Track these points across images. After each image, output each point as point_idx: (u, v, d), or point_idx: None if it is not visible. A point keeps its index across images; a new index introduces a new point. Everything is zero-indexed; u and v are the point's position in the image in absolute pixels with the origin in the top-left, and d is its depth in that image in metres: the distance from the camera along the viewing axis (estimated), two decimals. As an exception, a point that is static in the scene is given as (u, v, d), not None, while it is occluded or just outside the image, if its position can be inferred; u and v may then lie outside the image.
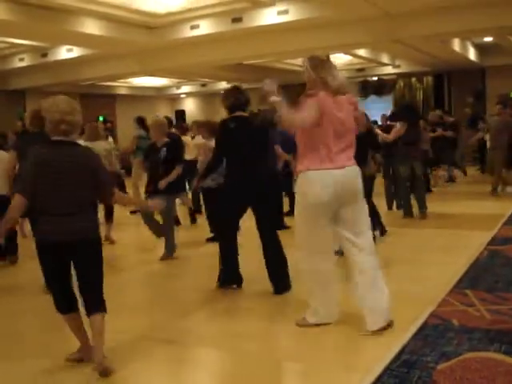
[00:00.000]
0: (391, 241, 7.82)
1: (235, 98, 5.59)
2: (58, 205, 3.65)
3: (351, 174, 4.31)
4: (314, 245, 4.32)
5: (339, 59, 18.90)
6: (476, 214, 9.74)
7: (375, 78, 21.75)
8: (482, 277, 5.65)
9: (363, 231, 4.36)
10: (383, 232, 7.93)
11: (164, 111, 24.06)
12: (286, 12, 12.91)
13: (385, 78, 21.60)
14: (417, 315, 4.53)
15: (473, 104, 18.72)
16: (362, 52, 17.23)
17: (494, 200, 11.10)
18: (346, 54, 17.48)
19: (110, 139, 11.55)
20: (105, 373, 3.66)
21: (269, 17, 13.12)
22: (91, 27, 12.97)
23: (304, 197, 4.28)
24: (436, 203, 10.93)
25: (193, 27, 14.05)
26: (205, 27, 13.93)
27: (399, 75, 21.45)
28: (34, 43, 15.32)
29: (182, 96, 26.83)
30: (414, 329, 4.22)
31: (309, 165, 4.23)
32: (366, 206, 4.48)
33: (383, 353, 3.80)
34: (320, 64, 4.32)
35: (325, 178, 4.18)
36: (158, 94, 25.63)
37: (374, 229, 7.85)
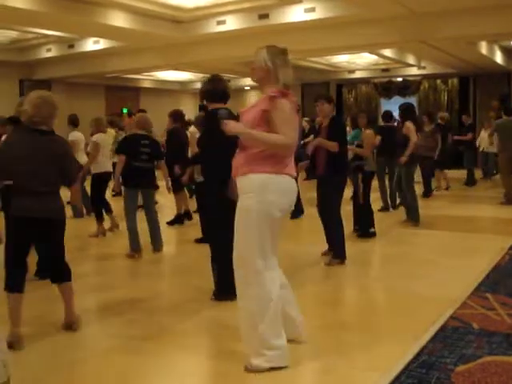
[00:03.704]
0: (410, 241, 7.81)
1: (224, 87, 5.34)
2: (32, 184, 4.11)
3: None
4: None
5: (364, 59, 18.87)
6: (493, 218, 9.68)
7: (400, 79, 21.76)
8: (502, 281, 5.62)
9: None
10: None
11: (188, 105, 24.11)
12: (312, 10, 12.88)
13: (409, 79, 21.57)
14: (437, 317, 4.52)
15: (498, 108, 18.51)
16: (387, 52, 17.12)
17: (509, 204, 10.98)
18: (371, 53, 17.38)
19: (111, 131, 11.46)
20: (75, 326, 4.37)
21: (295, 14, 13.10)
22: (118, 20, 13.05)
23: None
24: (451, 206, 10.92)
25: (219, 22, 14.07)
26: (231, 23, 13.95)
27: (424, 76, 21.30)
28: (61, 34, 15.44)
29: (206, 91, 26.87)
30: (433, 330, 4.22)
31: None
32: None
33: (402, 353, 3.80)
34: (281, 55, 3.79)
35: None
36: (183, 88, 25.70)
37: (371, 226, 7.95)
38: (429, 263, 6.51)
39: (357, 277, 6.19)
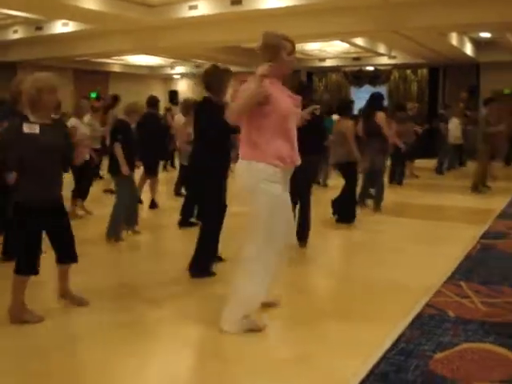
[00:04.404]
0: (382, 229, 7.87)
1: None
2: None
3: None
4: None
5: (336, 47, 18.86)
6: (462, 207, 9.81)
7: (371, 68, 21.85)
8: (475, 269, 5.69)
9: None
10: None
11: (157, 91, 23.88)
12: (286, -4, 12.81)
13: (380, 68, 21.68)
14: (412, 305, 4.56)
15: (466, 99, 18.74)
16: (358, 41, 17.14)
17: (481, 194, 11.14)
18: (342, 41, 17.38)
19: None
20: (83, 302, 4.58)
21: (268, 0, 13.01)
22: (89, 2, 12.78)
23: None
24: (422, 195, 11.05)
25: (191, 7, 13.89)
26: (203, 8, 13.78)
27: (394, 66, 21.43)
28: (29, 15, 15.09)
29: (176, 77, 26.65)
30: (410, 318, 4.25)
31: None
32: None
33: (379, 341, 3.82)
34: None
35: None
36: (152, 73, 25.44)
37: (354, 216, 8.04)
38: (402, 251, 6.56)
39: (331, 265, 6.22)
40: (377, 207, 9.07)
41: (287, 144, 3.96)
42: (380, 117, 8.83)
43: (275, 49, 3.93)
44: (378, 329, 4.10)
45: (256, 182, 3.90)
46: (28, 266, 4.18)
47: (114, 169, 6.97)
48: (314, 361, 3.62)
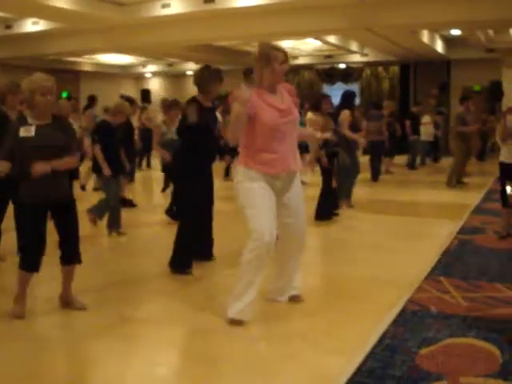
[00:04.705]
0: (359, 226, 7.93)
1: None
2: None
3: None
4: None
5: (308, 45, 18.94)
6: (437, 203, 9.94)
7: (343, 66, 21.98)
8: (454, 265, 5.76)
9: None
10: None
11: (129, 90, 23.74)
12: (259, -6, 12.82)
13: (352, 65, 21.82)
14: (394, 301, 4.59)
15: (437, 95, 18.97)
16: (331, 39, 17.24)
17: (455, 189, 11.27)
18: (315, 39, 17.46)
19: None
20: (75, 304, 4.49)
21: (242, -1, 13.03)
22: (60, 1, 12.66)
23: None
24: (397, 191, 11.16)
25: (164, 6, 13.86)
26: (176, 6, 13.76)
27: (366, 64, 21.59)
28: (-2, 14, 14.90)
29: (148, 75, 26.51)
30: (393, 314, 4.28)
31: None
32: None
33: (364, 337, 3.84)
34: None
35: None
36: (124, 72, 25.27)
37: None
38: (380, 248, 6.61)
39: (311, 263, 6.20)
40: (346, 202, 9.07)
41: (275, 153, 4.17)
42: (343, 115, 8.85)
43: (267, 58, 4.15)
44: (361, 325, 4.13)
45: (237, 182, 4.26)
46: (29, 264, 4.25)
47: (98, 169, 6.96)
48: (300, 358, 3.63)
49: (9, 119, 5.61)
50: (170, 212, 7.86)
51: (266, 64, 4.15)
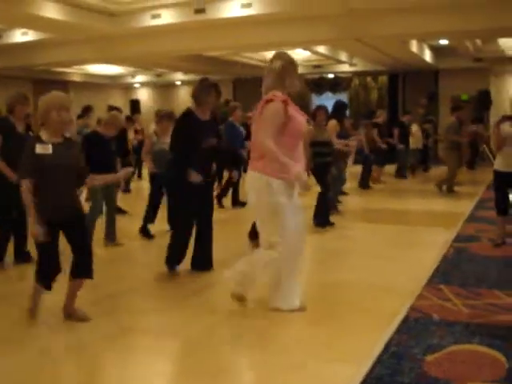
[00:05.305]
0: (354, 235, 7.96)
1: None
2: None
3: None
4: None
5: (297, 55, 18.99)
6: (430, 211, 9.99)
7: (331, 76, 22.08)
8: (452, 273, 5.79)
9: None
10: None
11: (118, 100, 23.70)
12: (249, 5, 12.86)
13: (341, 75, 21.91)
14: (396, 308, 4.61)
15: (426, 104, 19.10)
16: (320, 49, 17.33)
17: (447, 198, 11.34)
18: (305, 49, 17.54)
19: None
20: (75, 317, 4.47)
21: (232, 9, 13.05)
22: (50, 10, 12.59)
23: None
24: (389, 199, 11.20)
25: (154, 16, 13.86)
26: (166, 17, 13.76)
27: (355, 73, 21.69)
28: (-13, 24, 14.83)
29: (136, 85, 26.49)
30: (397, 322, 4.29)
31: None
32: None
33: (370, 345, 3.85)
34: (291, 64, 4.55)
35: None
36: (112, 82, 25.21)
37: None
38: (377, 256, 6.63)
39: (309, 272, 6.22)
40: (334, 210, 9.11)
41: (298, 162, 4.33)
42: (330, 124, 8.93)
43: (295, 67, 4.46)
44: (365, 333, 4.14)
45: (263, 194, 4.38)
46: (42, 280, 4.33)
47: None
48: (305, 368, 3.62)
49: (16, 130, 5.79)
50: (143, 230, 7.83)
51: (295, 71, 4.36)
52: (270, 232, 4.43)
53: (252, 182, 4.45)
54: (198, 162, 5.60)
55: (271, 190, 4.29)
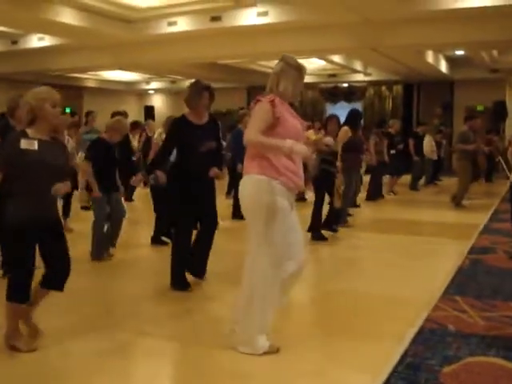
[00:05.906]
0: (366, 245, 7.92)
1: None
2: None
3: None
4: None
5: (313, 64, 19.02)
6: (443, 222, 9.93)
7: (345, 85, 22.08)
8: (467, 284, 5.74)
9: None
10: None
11: (132, 106, 23.82)
12: (265, 14, 12.91)
13: (355, 85, 21.91)
14: (411, 319, 4.57)
15: (441, 115, 19.07)
16: (335, 58, 17.35)
17: (460, 209, 11.23)
18: (320, 59, 17.56)
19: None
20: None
21: (248, 17, 13.12)
22: (67, 16, 12.74)
23: None
24: (402, 210, 11.14)
25: (170, 23, 13.96)
26: (183, 24, 13.86)
27: (370, 83, 21.68)
28: (5, 29, 14.96)
29: (151, 92, 26.62)
30: (412, 332, 4.25)
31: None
32: None
33: (386, 356, 3.82)
34: (294, 70, 4.03)
35: None
36: (127, 88, 25.37)
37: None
38: (392, 266, 6.59)
39: (325, 280, 6.19)
40: (343, 221, 9.00)
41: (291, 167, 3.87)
42: (341, 131, 8.73)
43: (302, 71, 4.03)
44: (382, 344, 4.11)
45: (261, 194, 3.82)
46: (17, 293, 3.90)
47: (89, 187, 6.79)
48: (326, 375, 3.60)
49: None
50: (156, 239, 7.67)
51: (300, 76, 3.99)
52: (260, 239, 3.86)
53: (248, 185, 3.91)
54: (195, 166, 5.44)
55: (271, 190, 3.77)
